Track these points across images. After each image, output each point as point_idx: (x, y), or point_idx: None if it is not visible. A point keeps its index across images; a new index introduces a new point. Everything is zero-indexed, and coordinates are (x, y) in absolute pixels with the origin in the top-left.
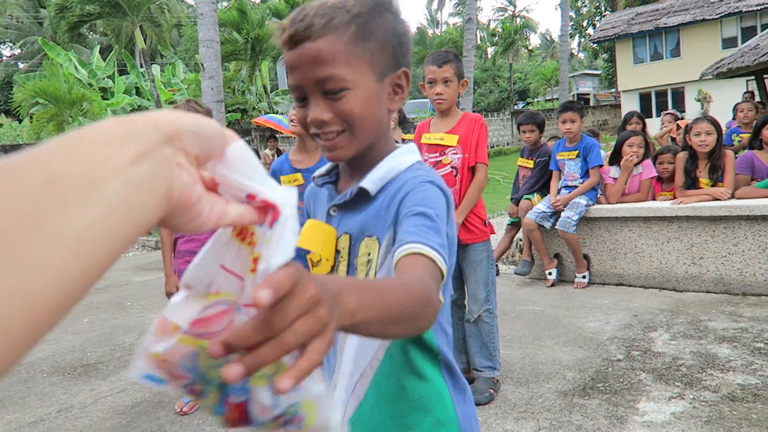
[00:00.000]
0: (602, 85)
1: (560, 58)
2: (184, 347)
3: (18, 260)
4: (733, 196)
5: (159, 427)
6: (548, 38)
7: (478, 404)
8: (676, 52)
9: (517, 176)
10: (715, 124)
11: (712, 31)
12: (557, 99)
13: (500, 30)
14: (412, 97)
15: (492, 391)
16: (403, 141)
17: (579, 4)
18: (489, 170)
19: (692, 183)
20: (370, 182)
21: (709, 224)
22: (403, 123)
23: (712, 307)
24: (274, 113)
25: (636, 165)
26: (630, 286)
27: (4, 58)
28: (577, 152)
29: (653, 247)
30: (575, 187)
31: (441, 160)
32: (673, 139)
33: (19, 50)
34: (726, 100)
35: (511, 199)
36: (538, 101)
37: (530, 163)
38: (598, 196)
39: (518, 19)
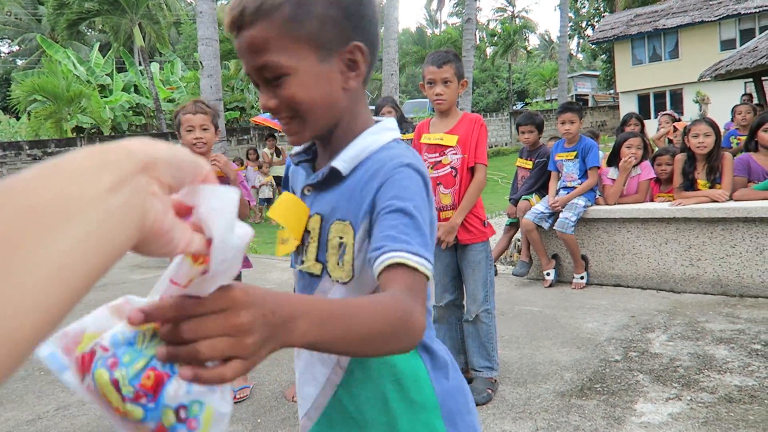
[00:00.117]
0: (601, 86)
1: (559, 58)
2: (127, 329)
3: None
4: (730, 198)
5: None
6: (547, 39)
7: (476, 404)
8: (674, 54)
9: (515, 177)
10: (713, 125)
11: (711, 33)
12: (556, 100)
13: (500, 30)
14: (410, 96)
15: (490, 391)
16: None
17: (578, 5)
18: (487, 170)
19: (690, 184)
20: (341, 162)
21: (707, 226)
22: (402, 123)
23: (710, 308)
24: None
25: (634, 166)
26: (628, 287)
27: (2, 55)
28: (575, 153)
29: (651, 249)
30: (574, 187)
31: (440, 161)
32: (670, 141)
33: (17, 47)
34: (724, 102)
35: (510, 200)
36: (536, 102)
37: (529, 164)
38: (597, 197)
39: (517, 20)
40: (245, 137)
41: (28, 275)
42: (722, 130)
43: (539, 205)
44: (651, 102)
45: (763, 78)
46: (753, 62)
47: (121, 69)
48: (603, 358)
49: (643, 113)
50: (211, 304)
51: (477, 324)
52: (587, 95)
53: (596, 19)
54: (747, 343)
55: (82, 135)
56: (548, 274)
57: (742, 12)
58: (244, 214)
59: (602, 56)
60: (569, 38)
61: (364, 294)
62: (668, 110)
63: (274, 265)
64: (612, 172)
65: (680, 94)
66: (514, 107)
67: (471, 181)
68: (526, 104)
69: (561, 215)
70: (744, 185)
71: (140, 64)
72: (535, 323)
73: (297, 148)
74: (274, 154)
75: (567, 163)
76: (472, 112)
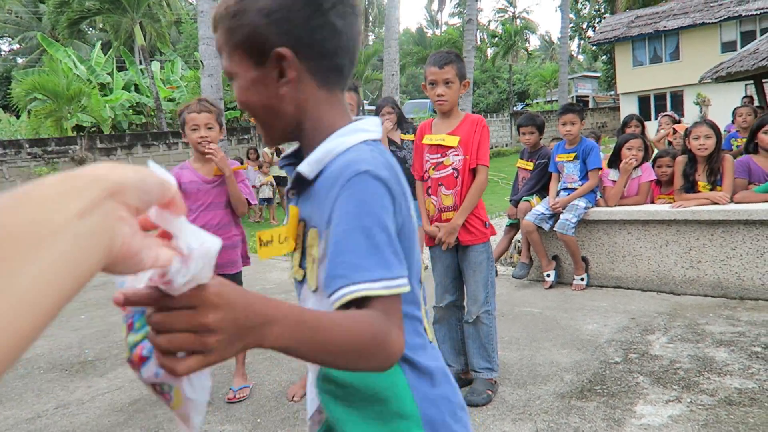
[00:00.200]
0: (601, 88)
1: (560, 60)
2: None
3: None
4: (731, 201)
5: (157, 425)
6: (547, 40)
7: (475, 405)
8: (675, 56)
9: (516, 178)
10: (714, 127)
11: (712, 34)
12: (556, 101)
13: (500, 31)
14: (411, 97)
15: (490, 392)
16: (402, 141)
17: (579, 6)
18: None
19: (691, 186)
20: (306, 165)
21: (708, 228)
22: (402, 123)
23: (710, 310)
24: None
25: (635, 168)
26: (628, 288)
27: (3, 53)
28: (574, 154)
29: (651, 250)
30: (574, 189)
31: (442, 162)
32: (670, 143)
33: (17, 45)
34: (724, 104)
35: (510, 201)
36: (537, 103)
37: (530, 165)
38: (597, 198)
39: (518, 21)
40: (245, 137)
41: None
42: (723, 132)
43: (540, 207)
44: (651, 103)
45: (763, 80)
46: (754, 64)
47: (121, 68)
48: (603, 359)
49: (644, 115)
50: (180, 300)
51: (477, 325)
52: (588, 96)
53: (597, 21)
54: (747, 345)
55: (82, 133)
56: (548, 276)
57: (743, 14)
58: (241, 213)
59: (603, 57)
60: (570, 39)
61: (329, 305)
62: (668, 111)
63: (274, 265)
64: (612, 174)
65: (681, 96)
66: (515, 108)
67: (472, 182)
68: (527, 105)
69: (561, 216)
70: (745, 187)
71: (141, 63)
72: (535, 324)
73: (287, 151)
74: (275, 154)
75: (567, 165)
76: (473, 112)
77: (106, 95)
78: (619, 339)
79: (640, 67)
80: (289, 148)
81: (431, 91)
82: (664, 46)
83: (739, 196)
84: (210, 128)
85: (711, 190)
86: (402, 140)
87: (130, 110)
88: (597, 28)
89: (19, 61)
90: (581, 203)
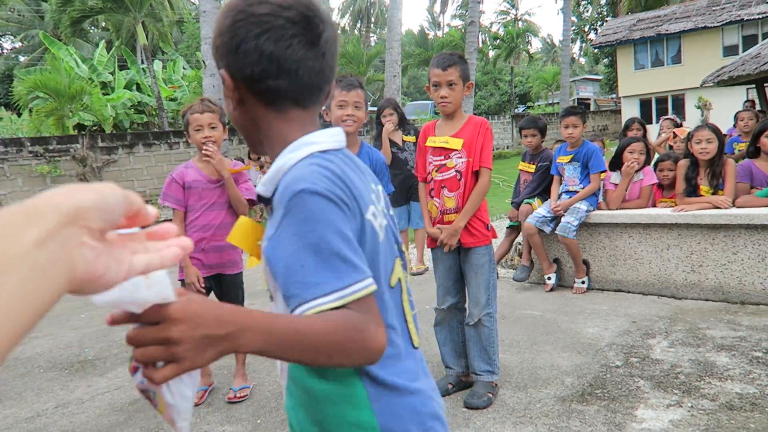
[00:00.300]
0: (603, 91)
1: (562, 62)
2: None
3: None
4: (733, 205)
5: (156, 425)
6: (549, 42)
7: (476, 408)
8: (677, 59)
9: (518, 180)
10: (716, 132)
11: (714, 38)
12: (558, 103)
13: (502, 33)
14: (412, 98)
15: (490, 395)
16: (403, 143)
17: (581, 9)
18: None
19: (693, 190)
20: (261, 185)
21: (709, 232)
22: (403, 124)
23: (711, 315)
24: None
25: (637, 171)
26: (629, 292)
27: (5, 51)
28: (571, 156)
29: (653, 254)
30: (575, 192)
31: (445, 164)
32: (671, 147)
33: (19, 43)
34: (726, 108)
35: (512, 203)
36: (538, 105)
37: (532, 168)
38: (599, 201)
39: (520, 23)
40: None
41: None
42: (725, 136)
43: (541, 209)
44: (653, 107)
45: (765, 84)
46: (756, 68)
47: (123, 67)
48: (604, 363)
49: (645, 118)
50: (145, 316)
51: (479, 327)
52: (589, 99)
53: (599, 24)
54: (748, 350)
55: (83, 132)
56: (549, 279)
57: (745, 18)
58: (242, 213)
59: (605, 60)
60: (572, 42)
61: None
62: (670, 115)
63: None
64: (614, 177)
65: (682, 100)
66: (516, 110)
67: (475, 185)
68: (528, 107)
69: (563, 219)
70: (747, 192)
71: (142, 62)
72: (535, 327)
73: None
74: None
75: (568, 167)
76: (475, 114)
77: (107, 94)
78: (620, 343)
79: (642, 71)
80: None
81: (435, 92)
82: (666, 49)
83: (740, 201)
84: (213, 128)
85: (713, 194)
86: (403, 142)
87: (132, 109)
88: (599, 31)
89: (21, 59)
90: (583, 206)
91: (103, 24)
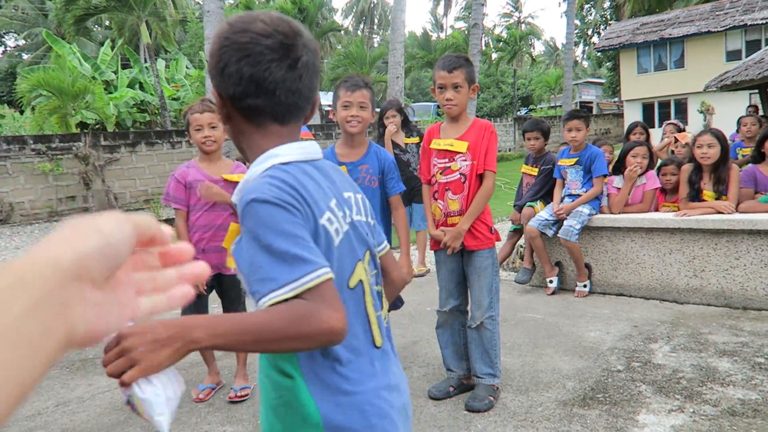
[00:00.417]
0: (605, 94)
1: (565, 65)
2: None
3: None
4: (736, 210)
5: None
6: (552, 45)
7: (477, 411)
8: (680, 63)
9: (520, 183)
10: (718, 136)
11: (717, 43)
12: (560, 106)
13: (505, 36)
14: (415, 100)
15: (492, 398)
16: (406, 145)
17: (584, 12)
18: None
19: (696, 195)
20: (234, 195)
21: (712, 237)
22: (406, 125)
23: (713, 320)
24: None
25: (640, 175)
26: (631, 296)
27: (8, 48)
28: (576, 159)
29: (655, 258)
30: (578, 195)
31: (450, 166)
32: (672, 152)
33: (23, 41)
34: (728, 113)
35: (514, 206)
36: (541, 108)
37: (534, 171)
38: (601, 205)
39: (523, 26)
40: None
41: None
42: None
43: (544, 212)
44: (655, 111)
45: None
46: (759, 73)
47: (126, 66)
48: (605, 367)
49: (648, 122)
50: (108, 347)
51: (481, 330)
52: (591, 103)
53: (602, 27)
54: (750, 356)
55: (86, 131)
56: (551, 282)
57: (749, 23)
58: None
59: (607, 64)
60: (575, 45)
61: None
62: (673, 120)
63: None
64: (617, 181)
65: (685, 104)
66: (518, 113)
67: (479, 188)
68: (531, 110)
69: (565, 223)
70: (751, 197)
71: (145, 61)
72: (537, 331)
73: None
74: None
75: (570, 171)
76: (477, 117)
77: (110, 93)
78: (622, 347)
79: (645, 75)
80: None
81: (440, 95)
82: (669, 53)
83: (744, 206)
84: (213, 127)
85: (717, 199)
86: (406, 143)
87: (135, 108)
88: (602, 35)
89: (25, 57)
90: (585, 210)
91: (107, 23)
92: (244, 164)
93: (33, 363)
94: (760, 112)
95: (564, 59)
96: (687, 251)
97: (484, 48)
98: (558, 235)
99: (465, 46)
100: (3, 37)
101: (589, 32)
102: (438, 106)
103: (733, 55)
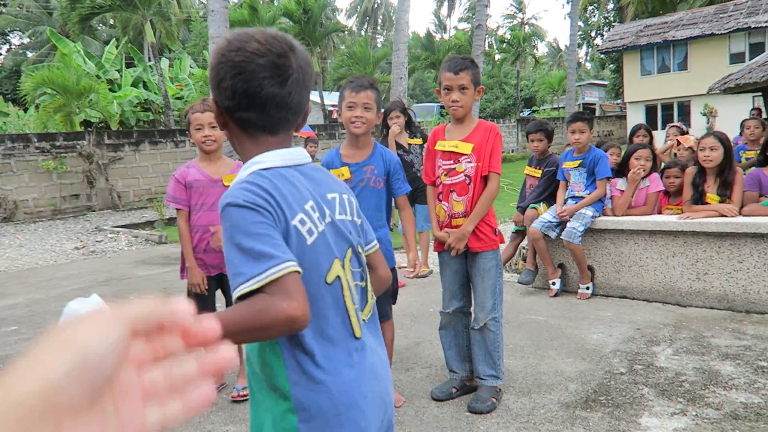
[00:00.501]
0: (608, 96)
1: (568, 67)
2: None
3: None
4: (739, 213)
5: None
6: (555, 46)
7: (479, 413)
8: (683, 66)
9: (524, 185)
10: (721, 139)
11: (721, 45)
12: (563, 108)
13: (508, 37)
14: (418, 101)
15: (494, 400)
16: (409, 146)
17: (588, 14)
18: None
19: (699, 197)
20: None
21: (715, 240)
22: (410, 126)
23: (716, 323)
24: None
25: (643, 178)
26: (633, 299)
27: (13, 47)
28: (580, 162)
29: (658, 261)
30: (581, 197)
31: (455, 168)
32: (675, 155)
33: (27, 39)
34: (732, 116)
35: (518, 208)
36: (544, 109)
37: (538, 173)
38: (605, 207)
39: (527, 27)
40: None
41: None
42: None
43: (547, 214)
44: (659, 113)
45: None
46: (763, 76)
47: (130, 64)
48: (608, 370)
49: (651, 124)
50: None
51: (484, 332)
52: (595, 104)
53: (606, 29)
54: (753, 359)
55: (90, 129)
56: (554, 284)
57: (753, 26)
58: None
59: (611, 66)
60: (578, 47)
61: None
62: (676, 122)
63: None
64: (620, 184)
65: (688, 106)
66: (521, 114)
67: (484, 189)
68: (534, 111)
69: (568, 225)
70: (755, 200)
71: (149, 60)
72: (539, 333)
73: None
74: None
75: (574, 173)
76: (480, 118)
77: (114, 91)
78: (624, 350)
79: (648, 77)
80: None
81: (446, 96)
82: (673, 55)
83: (747, 209)
84: (214, 127)
85: (721, 202)
86: (409, 144)
87: (138, 107)
88: (606, 37)
89: (29, 55)
90: (588, 212)
91: (111, 21)
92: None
93: None
94: (764, 115)
95: (567, 61)
96: (690, 254)
97: (487, 49)
98: (561, 237)
99: (468, 47)
100: (8, 35)
101: (593, 34)
102: (441, 107)
103: (736, 58)
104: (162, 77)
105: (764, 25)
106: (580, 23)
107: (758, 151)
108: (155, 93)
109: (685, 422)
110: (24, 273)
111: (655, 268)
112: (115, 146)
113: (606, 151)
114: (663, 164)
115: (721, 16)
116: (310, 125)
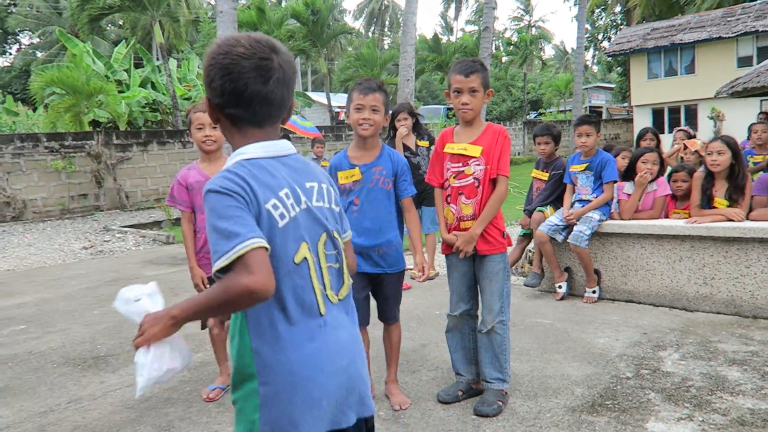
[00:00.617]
0: (615, 99)
1: (575, 70)
2: None
3: None
4: (747, 218)
5: (168, 423)
6: (562, 49)
7: (486, 416)
8: (690, 69)
9: (531, 188)
10: (729, 144)
11: (728, 49)
12: (569, 110)
13: (515, 39)
14: (425, 103)
15: (500, 403)
16: (417, 147)
17: (595, 17)
18: None
19: (707, 202)
20: None
21: (722, 245)
22: (417, 128)
23: (723, 328)
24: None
25: (650, 182)
26: (640, 303)
27: (23, 46)
28: (586, 165)
29: (665, 265)
30: (588, 201)
31: (463, 171)
32: (682, 159)
33: (37, 39)
34: (739, 120)
35: (524, 211)
36: (550, 112)
37: (545, 176)
38: (611, 211)
39: (534, 30)
40: None
41: None
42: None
43: (553, 218)
44: (665, 117)
45: None
46: None
47: (138, 65)
48: (614, 374)
49: (658, 127)
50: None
51: (491, 335)
52: (601, 107)
53: (613, 32)
54: (760, 365)
55: (98, 129)
56: (560, 287)
57: (760, 29)
58: None
59: (618, 69)
60: (585, 50)
61: None
62: (683, 126)
63: None
64: (627, 187)
65: (695, 110)
66: (528, 117)
67: (492, 192)
68: (540, 114)
69: (575, 228)
70: (764, 205)
71: (158, 60)
72: (546, 336)
73: None
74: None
75: (580, 176)
76: (487, 120)
77: (122, 92)
78: (631, 354)
79: (655, 80)
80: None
81: (456, 99)
82: (680, 59)
83: (755, 214)
84: (214, 127)
85: (730, 206)
86: (417, 146)
87: (146, 107)
88: (613, 39)
89: (39, 55)
90: (595, 215)
91: (120, 22)
92: None
93: None
94: None
95: (574, 63)
96: (697, 258)
97: (494, 51)
98: (568, 240)
99: (475, 50)
100: (18, 35)
101: (600, 37)
102: (448, 109)
103: (744, 62)
104: (170, 78)
105: None
106: (588, 26)
107: (766, 156)
108: (163, 93)
109: (691, 428)
110: (32, 272)
111: (662, 273)
112: (123, 146)
113: (618, 155)
114: (670, 168)
115: (728, 19)
116: (317, 126)
